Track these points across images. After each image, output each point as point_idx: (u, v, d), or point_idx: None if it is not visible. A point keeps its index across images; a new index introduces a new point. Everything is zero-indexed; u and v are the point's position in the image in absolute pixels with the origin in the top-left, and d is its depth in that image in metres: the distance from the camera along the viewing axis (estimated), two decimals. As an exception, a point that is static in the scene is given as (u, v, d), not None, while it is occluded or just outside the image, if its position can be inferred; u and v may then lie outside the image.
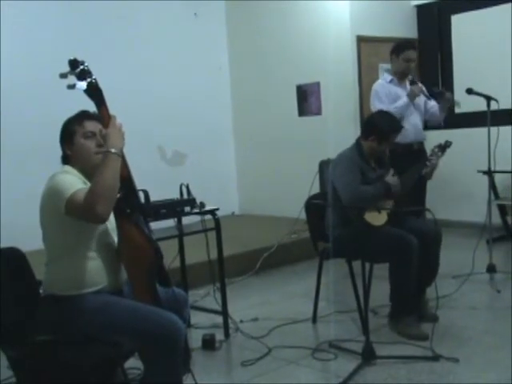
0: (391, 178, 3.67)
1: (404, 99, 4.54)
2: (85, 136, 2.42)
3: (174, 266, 3.88)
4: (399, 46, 4.69)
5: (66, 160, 2.48)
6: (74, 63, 2.26)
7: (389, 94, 4.61)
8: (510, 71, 6.01)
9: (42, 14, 6.02)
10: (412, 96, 4.54)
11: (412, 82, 4.58)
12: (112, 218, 2.46)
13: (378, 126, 3.69)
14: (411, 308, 3.64)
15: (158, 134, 6.78)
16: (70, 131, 2.45)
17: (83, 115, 2.46)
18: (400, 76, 4.69)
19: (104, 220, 2.21)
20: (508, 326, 3.60)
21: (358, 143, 3.78)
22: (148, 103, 6.66)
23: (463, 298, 4.17)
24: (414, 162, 3.89)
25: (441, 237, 3.75)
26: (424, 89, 4.57)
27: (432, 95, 4.67)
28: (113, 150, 2.22)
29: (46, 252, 2.43)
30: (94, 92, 2.28)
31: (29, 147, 5.78)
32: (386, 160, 3.88)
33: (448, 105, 4.60)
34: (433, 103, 4.68)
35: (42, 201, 2.37)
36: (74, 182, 2.32)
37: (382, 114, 3.92)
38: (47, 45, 5.92)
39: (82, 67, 2.26)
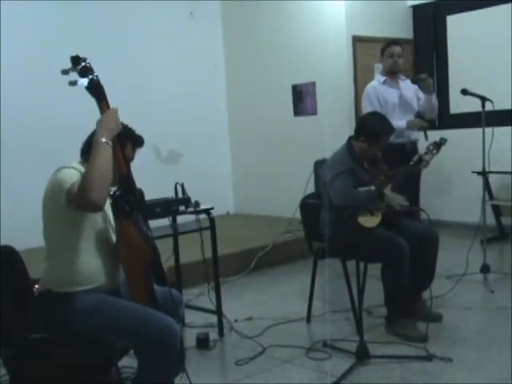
0: (390, 193, 3.59)
1: (404, 125, 4.62)
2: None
3: (168, 265, 3.89)
4: (384, 45, 4.79)
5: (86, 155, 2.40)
6: (75, 60, 2.27)
7: (380, 96, 4.66)
8: (505, 72, 6.02)
9: (42, 13, 6.00)
10: (411, 127, 4.68)
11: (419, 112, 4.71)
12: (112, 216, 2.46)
13: (368, 127, 3.66)
14: (407, 310, 3.62)
15: (152, 132, 6.63)
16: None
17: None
18: (390, 74, 4.73)
19: (99, 208, 2.20)
20: (501, 326, 3.62)
21: (349, 143, 3.75)
22: (143, 102, 6.63)
23: (457, 298, 4.18)
24: (407, 162, 3.89)
25: (438, 241, 3.72)
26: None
27: (417, 85, 4.79)
28: (103, 140, 2.22)
29: (46, 247, 2.43)
30: (95, 89, 2.28)
31: (29, 147, 5.77)
32: (380, 161, 3.80)
33: (429, 87, 4.66)
34: (422, 95, 4.75)
35: (44, 195, 2.37)
36: (76, 175, 2.31)
37: (375, 115, 3.89)
38: (46, 44, 5.89)
39: (83, 64, 2.27)
